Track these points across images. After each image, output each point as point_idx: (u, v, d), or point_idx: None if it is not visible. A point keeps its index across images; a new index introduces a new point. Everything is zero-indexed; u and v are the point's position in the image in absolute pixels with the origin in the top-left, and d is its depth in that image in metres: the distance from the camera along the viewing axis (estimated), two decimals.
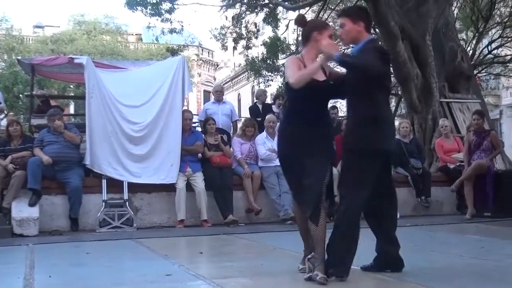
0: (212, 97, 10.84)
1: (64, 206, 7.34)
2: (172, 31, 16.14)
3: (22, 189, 7.08)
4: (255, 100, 11.56)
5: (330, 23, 17.98)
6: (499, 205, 8.17)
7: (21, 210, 6.94)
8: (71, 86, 25.84)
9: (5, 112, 14.02)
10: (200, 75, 43.84)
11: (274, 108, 10.18)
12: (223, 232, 6.86)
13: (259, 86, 19.74)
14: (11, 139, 7.59)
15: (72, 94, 25.66)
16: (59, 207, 7.35)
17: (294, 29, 16.23)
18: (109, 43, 32.07)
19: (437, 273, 3.99)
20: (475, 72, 16.13)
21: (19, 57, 15.68)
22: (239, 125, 9.51)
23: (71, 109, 27.88)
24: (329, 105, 5.51)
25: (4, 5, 61.41)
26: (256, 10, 16.96)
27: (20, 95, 25.90)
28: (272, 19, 16.58)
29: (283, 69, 14.75)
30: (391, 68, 3.51)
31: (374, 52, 3.75)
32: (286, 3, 14.55)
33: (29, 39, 33.86)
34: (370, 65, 3.66)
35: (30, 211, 6.96)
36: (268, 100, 11.88)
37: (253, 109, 10.60)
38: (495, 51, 18.50)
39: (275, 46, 18.44)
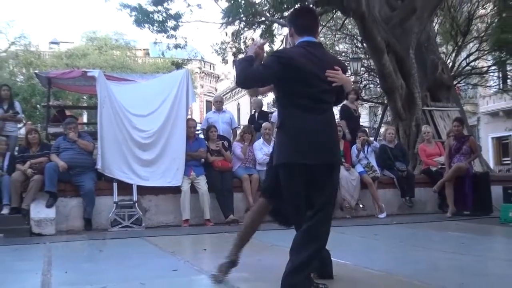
0: (213, 107, 10.87)
1: (78, 208, 7.33)
2: (176, 46, 16.14)
3: (40, 192, 7.09)
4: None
5: (322, 39, 18.11)
6: (477, 204, 8.21)
7: (39, 211, 6.94)
8: (84, 97, 25.79)
9: (24, 121, 14.01)
10: (202, 87, 43.84)
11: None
12: (224, 230, 6.85)
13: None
14: (30, 146, 7.61)
15: (85, 105, 25.59)
16: (74, 208, 7.35)
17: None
18: (119, 58, 32.00)
19: (420, 267, 4.00)
20: (454, 82, 16.18)
21: (36, 71, 15.60)
22: (238, 131, 9.53)
23: (84, 118, 27.84)
24: None
25: (23, 23, 61.47)
26: (253, 27, 17.00)
27: (38, 106, 25.80)
28: (268, 35, 16.58)
29: None
30: (306, 71, 3.12)
31: (268, 57, 3.26)
32: (281, 20, 14.57)
33: (46, 54, 33.75)
34: (239, 72, 3.10)
35: (47, 212, 6.96)
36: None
37: (250, 118, 10.89)
38: (472, 63, 18.62)
39: None
